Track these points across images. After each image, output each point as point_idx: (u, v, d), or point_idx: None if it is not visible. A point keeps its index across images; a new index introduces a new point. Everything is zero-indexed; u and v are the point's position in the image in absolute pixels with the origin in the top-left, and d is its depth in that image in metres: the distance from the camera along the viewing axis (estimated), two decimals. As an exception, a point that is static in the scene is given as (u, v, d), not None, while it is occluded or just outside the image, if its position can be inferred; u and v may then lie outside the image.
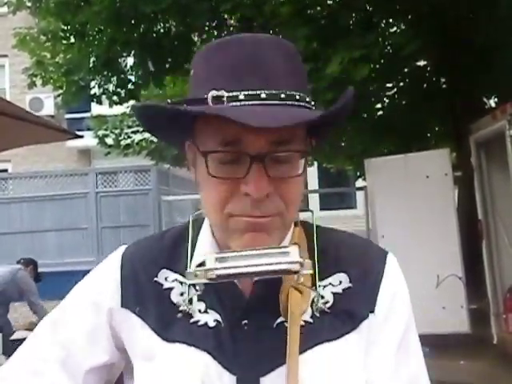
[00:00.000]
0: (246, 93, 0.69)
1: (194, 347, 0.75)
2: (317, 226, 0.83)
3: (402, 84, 6.92)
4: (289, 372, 0.70)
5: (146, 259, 0.83)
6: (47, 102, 12.62)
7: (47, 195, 9.90)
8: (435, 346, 5.10)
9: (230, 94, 0.69)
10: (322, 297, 0.77)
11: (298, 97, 0.71)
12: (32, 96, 12.11)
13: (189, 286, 0.78)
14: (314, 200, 13.72)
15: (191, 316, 0.77)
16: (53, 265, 9.05)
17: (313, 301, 0.76)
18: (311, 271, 0.69)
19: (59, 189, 10.00)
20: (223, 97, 0.69)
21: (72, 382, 0.80)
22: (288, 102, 0.70)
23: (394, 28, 6.26)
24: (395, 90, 6.92)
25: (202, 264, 0.70)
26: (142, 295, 0.80)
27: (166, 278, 0.81)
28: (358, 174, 8.81)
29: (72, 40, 6.33)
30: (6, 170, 13.16)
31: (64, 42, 6.40)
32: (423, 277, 4.91)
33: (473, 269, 5.28)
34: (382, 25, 6.04)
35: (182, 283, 0.79)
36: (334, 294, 0.78)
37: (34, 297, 5.19)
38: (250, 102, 0.69)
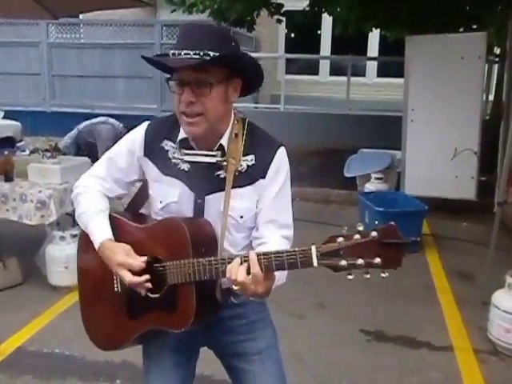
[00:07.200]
0: (182, 51, 1.31)
1: (178, 179, 1.46)
2: (249, 123, 1.48)
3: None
4: (226, 193, 1.41)
5: (158, 132, 1.50)
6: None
7: (117, 43, 10.46)
8: (444, 208, 5.86)
9: (174, 52, 1.33)
10: (241, 165, 1.43)
11: (202, 53, 1.30)
12: None
13: (178, 149, 1.47)
14: (372, 66, 13.63)
15: (178, 165, 1.46)
16: (121, 108, 9.91)
17: (238, 168, 1.42)
18: (225, 163, 1.41)
19: (127, 38, 10.52)
20: (174, 53, 1.34)
21: (118, 187, 1.57)
22: (198, 55, 1.30)
23: None
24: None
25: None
26: (155, 151, 1.49)
27: (166, 144, 1.48)
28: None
29: None
30: (77, 16, 13.70)
31: None
32: (442, 148, 5.45)
33: (489, 146, 5.76)
34: None
35: (174, 148, 1.47)
36: (248, 165, 1.43)
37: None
38: (181, 55, 1.32)
